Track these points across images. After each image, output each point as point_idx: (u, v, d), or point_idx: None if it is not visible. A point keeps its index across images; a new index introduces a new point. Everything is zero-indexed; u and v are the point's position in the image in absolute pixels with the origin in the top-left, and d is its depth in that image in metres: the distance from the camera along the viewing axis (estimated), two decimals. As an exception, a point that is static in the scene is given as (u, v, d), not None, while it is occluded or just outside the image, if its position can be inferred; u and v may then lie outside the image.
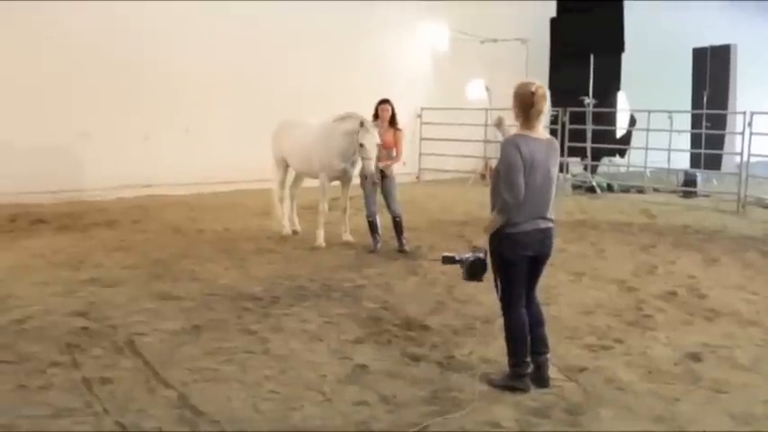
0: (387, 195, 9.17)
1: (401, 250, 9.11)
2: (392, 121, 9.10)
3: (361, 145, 8.66)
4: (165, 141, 13.42)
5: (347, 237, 9.59)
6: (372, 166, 8.72)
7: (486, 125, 16.84)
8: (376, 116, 9.07)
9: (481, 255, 4.87)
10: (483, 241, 4.78)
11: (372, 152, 8.69)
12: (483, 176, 17.55)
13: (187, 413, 4.40)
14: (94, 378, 4.88)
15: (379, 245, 9.18)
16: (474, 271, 4.91)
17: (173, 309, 6.55)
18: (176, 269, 8.08)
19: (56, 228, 10.33)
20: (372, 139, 8.66)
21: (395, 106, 9.17)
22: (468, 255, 4.92)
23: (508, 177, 4.61)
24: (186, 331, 5.93)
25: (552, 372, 5.10)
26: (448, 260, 4.97)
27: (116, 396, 4.62)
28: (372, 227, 9.22)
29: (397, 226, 9.17)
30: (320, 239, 9.37)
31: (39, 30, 12.01)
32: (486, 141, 17.21)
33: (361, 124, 8.65)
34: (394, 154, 9.11)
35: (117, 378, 4.92)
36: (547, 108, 4.72)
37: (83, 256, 8.57)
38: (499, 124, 5.50)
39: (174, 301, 6.81)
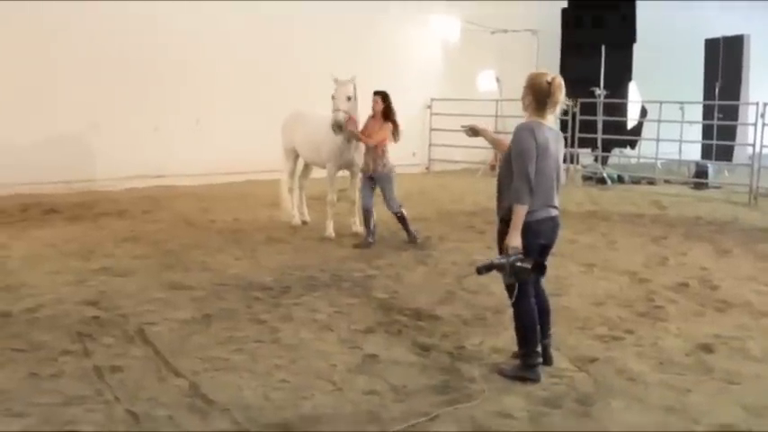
0: (381, 191, 9.05)
1: (410, 241, 9.07)
2: (387, 115, 8.90)
3: (333, 97, 8.70)
4: (175, 132, 13.43)
5: (356, 227, 9.56)
6: (339, 116, 8.62)
7: (496, 116, 16.79)
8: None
9: (521, 257, 4.59)
10: (515, 241, 4.64)
11: (340, 103, 8.64)
12: (492, 167, 17.58)
13: (198, 402, 4.41)
14: (105, 366, 4.90)
15: (370, 239, 8.97)
16: (519, 272, 4.62)
17: (183, 298, 6.56)
18: (187, 259, 8.10)
19: (67, 218, 10.38)
20: (341, 92, 8.65)
21: (391, 100, 8.94)
22: (504, 258, 4.62)
23: (522, 163, 4.58)
24: (197, 320, 5.95)
25: (563, 362, 5.11)
26: (484, 269, 4.65)
27: (127, 384, 4.63)
28: (365, 220, 9.08)
29: (400, 221, 9.11)
30: (329, 230, 9.36)
31: (50, 23, 12.03)
32: (496, 132, 17.14)
33: (335, 81, 8.69)
34: (380, 152, 8.90)
35: (128, 367, 4.94)
36: (563, 98, 4.70)
37: (94, 246, 8.60)
38: (473, 132, 5.47)
39: (184, 290, 6.83)
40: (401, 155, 16.52)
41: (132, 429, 4.06)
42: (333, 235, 9.32)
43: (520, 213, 4.59)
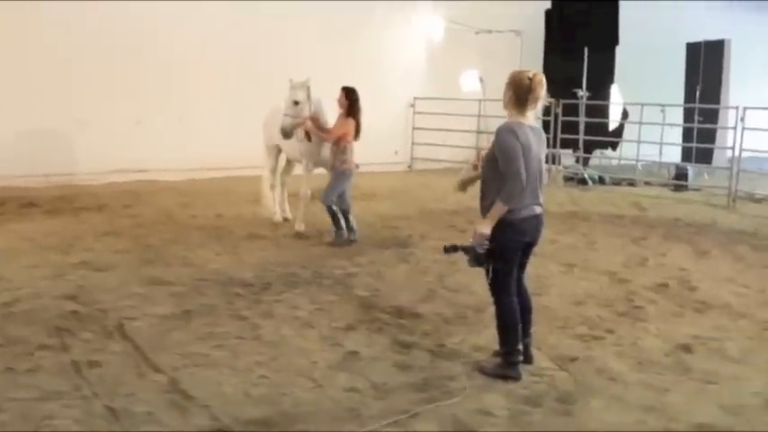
0: (328, 183, 8.90)
1: (332, 243, 8.81)
2: (350, 111, 8.71)
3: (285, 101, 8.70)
4: (157, 126, 13.33)
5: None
6: (285, 122, 8.57)
7: (479, 116, 16.83)
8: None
9: (486, 245, 4.70)
10: (485, 230, 4.69)
11: (287, 108, 8.61)
12: (475, 167, 17.57)
13: (177, 398, 4.38)
14: (83, 362, 4.86)
15: (352, 237, 8.85)
16: (481, 258, 4.75)
17: (163, 294, 6.52)
18: (167, 254, 8.05)
19: (46, 211, 10.26)
20: (289, 96, 8.61)
21: (358, 97, 8.74)
22: (472, 243, 4.76)
23: (511, 164, 4.57)
24: (177, 316, 5.91)
25: (544, 361, 5.13)
26: (451, 249, 4.85)
27: (105, 380, 4.60)
28: (331, 216, 8.85)
29: (330, 215, 8.83)
30: (299, 224, 9.32)
31: (32, 15, 11.89)
32: (479, 132, 17.20)
33: (289, 82, 8.67)
34: (341, 148, 8.74)
35: (106, 362, 4.90)
36: (543, 95, 4.71)
37: (73, 240, 8.52)
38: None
39: (164, 286, 6.78)
40: (383, 153, 16.68)
41: (111, 425, 4.03)
42: (303, 228, 9.26)
43: (500, 209, 4.62)
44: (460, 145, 16.82)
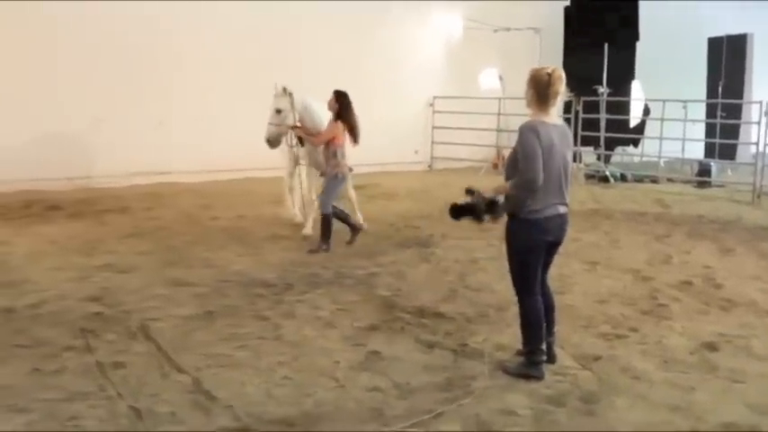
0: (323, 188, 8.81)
1: (312, 250, 8.49)
2: (339, 114, 8.55)
3: None
4: (178, 128, 13.41)
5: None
6: (268, 131, 8.70)
7: (499, 114, 16.77)
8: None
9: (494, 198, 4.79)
10: (495, 191, 4.79)
11: (271, 117, 8.72)
12: (495, 166, 17.54)
13: (201, 398, 4.40)
14: (108, 363, 4.90)
15: (321, 245, 8.48)
16: (492, 210, 4.81)
17: (186, 295, 6.56)
18: (190, 256, 8.10)
19: (70, 214, 10.36)
20: (272, 105, 8.70)
21: (348, 100, 8.59)
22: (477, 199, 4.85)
23: (529, 163, 4.55)
24: (199, 317, 5.94)
25: (567, 360, 5.10)
26: (458, 211, 4.92)
27: (129, 380, 4.63)
28: (324, 226, 8.60)
29: (322, 223, 8.60)
30: (306, 229, 9.22)
31: (52, 16, 12.00)
32: (498, 131, 17.14)
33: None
34: (331, 152, 8.58)
35: (130, 363, 4.93)
36: (563, 90, 4.69)
37: (96, 243, 8.60)
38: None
39: (187, 287, 6.82)
40: (403, 153, 16.68)
41: (135, 425, 4.06)
42: (309, 233, 9.13)
43: (509, 190, 4.70)
44: (480, 144, 16.79)
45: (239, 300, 6.45)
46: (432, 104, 17.54)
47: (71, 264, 7.58)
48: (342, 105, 8.56)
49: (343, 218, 8.84)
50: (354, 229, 8.90)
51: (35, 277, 7.00)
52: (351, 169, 8.96)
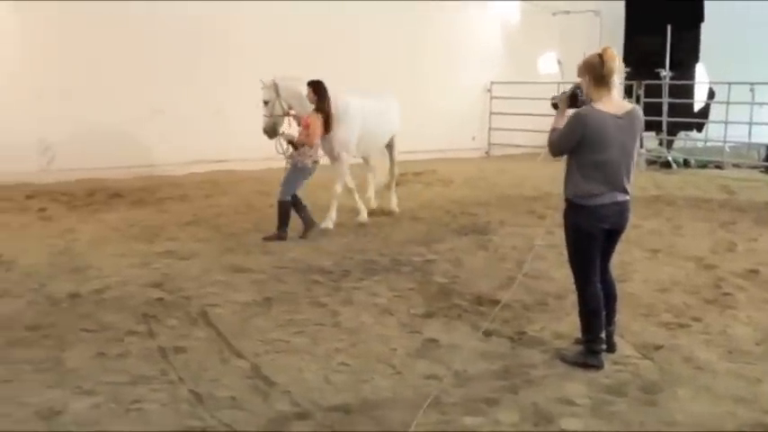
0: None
1: (272, 237, 8.38)
2: (319, 106, 8.49)
3: None
4: (235, 116, 13.54)
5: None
6: (263, 123, 8.67)
7: (557, 99, 16.53)
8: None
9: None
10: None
11: (262, 110, 8.71)
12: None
13: (260, 383, 4.45)
14: (169, 347, 5.00)
15: (279, 234, 8.36)
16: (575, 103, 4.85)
17: (244, 281, 6.64)
18: (248, 242, 8.20)
19: (131, 202, 10.60)
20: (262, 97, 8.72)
21: (324, 89, 8.56)
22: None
23: (559, 138, 4.70)
24: (258, 303, 6.01)
25: (627, 349, 5.00)
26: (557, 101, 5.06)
27: (190, 365, 4.71)
28: (281, 214, 8.48)
29: (278, 209, 8.51)
30: (326, 221, 8.97)
31: (112, 9, 12.25)
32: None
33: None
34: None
35: (191, 348, 5.02)
36: (618, 67, 4.58)
37: (157, 230, 8.77)
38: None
39: (245, 273, 6.91)
40: (460, 139, 16.57)
41: (195, 409, 4.13)
42: (330, 226, 8.92)
43: (549, 134, 4.86)
44: (538, 130, 16.55)
45: (297, 286, 6.51)
46: (489, 90, 17.37)
47: (133, 250, 7.75)
48: (319, 96, 8.50)
49: (300, 209, 8.61)
50: (308, 224, 8.62)
51: (99, 263, 7.18)
52: (316, 162, 8.68)
